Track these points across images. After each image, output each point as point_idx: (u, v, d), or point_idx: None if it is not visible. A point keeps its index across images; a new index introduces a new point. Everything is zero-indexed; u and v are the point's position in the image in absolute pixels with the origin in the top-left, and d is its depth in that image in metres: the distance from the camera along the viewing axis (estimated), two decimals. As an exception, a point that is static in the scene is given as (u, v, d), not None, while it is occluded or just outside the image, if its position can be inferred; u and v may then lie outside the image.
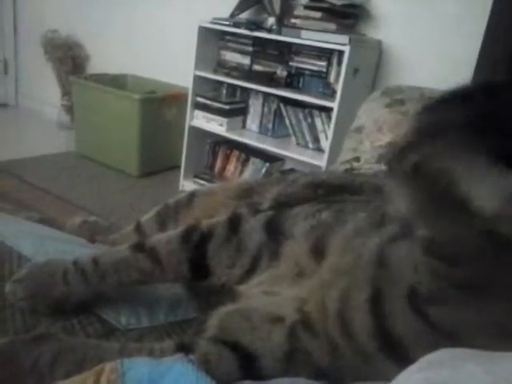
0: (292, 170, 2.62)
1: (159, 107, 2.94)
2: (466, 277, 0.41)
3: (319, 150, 2.51)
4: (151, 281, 0.66)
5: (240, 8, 2.64)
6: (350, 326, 0.49)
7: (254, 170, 2.80)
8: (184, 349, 0.54)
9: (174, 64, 3.10)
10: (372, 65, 2.42)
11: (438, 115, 0.43)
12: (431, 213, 0.42)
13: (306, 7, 2.37)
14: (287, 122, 2.63)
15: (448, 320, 0.43)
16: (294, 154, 2.50)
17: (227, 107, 2.69)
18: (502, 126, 0.37)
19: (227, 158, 2.92)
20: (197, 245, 0.64)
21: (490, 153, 0.36)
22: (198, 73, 2.67)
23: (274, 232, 0.63)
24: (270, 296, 0.58)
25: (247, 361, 0.52)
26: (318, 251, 0.57)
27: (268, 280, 0.60)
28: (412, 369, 0.38)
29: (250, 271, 0.62)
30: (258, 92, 2.68)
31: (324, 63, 2.45)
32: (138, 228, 0.91)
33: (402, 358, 0.44)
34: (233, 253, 0.63)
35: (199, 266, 0.64)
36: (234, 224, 0.65)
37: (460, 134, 0.39)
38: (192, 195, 0.93)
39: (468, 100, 0.41)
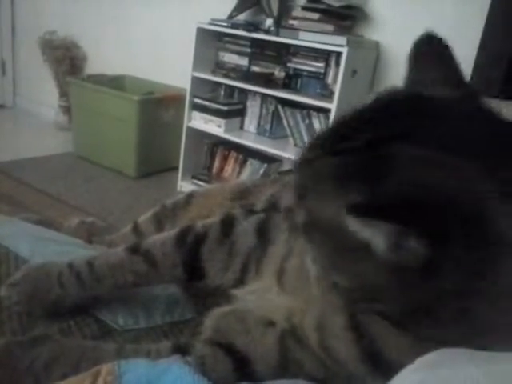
0: (290, 171, 2.61)
1: (157, 108, 2.94)
2: (395, 309, 0.42)
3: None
4: (146, 283, 0.66)
5: (238, 9, 2.64)
6: (335, 354, 0.49)
7: (251, 171, 2.80)
8: (180, 350, 0.54)
9: (172, 65, 3.10)
10: (370, 66, 2.42)
11: (309, 169, 0.44)
12: (337, 261, 0.43)
13: (304, 8, 2.37)
14: (285, 123, 2.63)
15: (431, 334, 0.43)
16: (292, 155, 2.50)
17: (225, 108, 2.69)
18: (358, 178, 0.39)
19: (225, 159, 2.92)
20: (191, 247, 0.65)
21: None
22: (196, 74, 2.67)
23: (263, 237, 0.63)
24: (262, 300, 0.58)
25: (241, 365, 0.52)
26: (280, 274, 0.58)
27: (258, 289, 0.61)
28: (409, 369, 0.38)
29: (241, 278, 0.63)
30: (255, 93, 2.68)
31: (322, 64, 2.45)
32: (136, 229, 0.91)
33: (395, 373, 0.44)
34: (225, 256, 0.64)
35: (194, 268, 0.64)
36: (227, 226, 0.66)
37: (329, 183, 0.40)
38: (190, 196, 0.92)
39: (333, 141, 0.43)
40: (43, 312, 0.62)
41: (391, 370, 0.45)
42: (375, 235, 0.37)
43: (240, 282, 0.63)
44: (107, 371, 0.41)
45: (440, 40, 0.49)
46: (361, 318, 0.48)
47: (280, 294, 0.57)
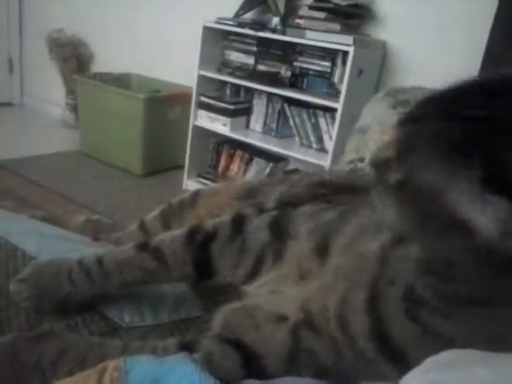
0: (296, 170, 2.62)
1: (163, 107, 2.94)
2: (457, 293, 0.41)
3: (323, 150, 2.51)
4: (156, 281, 0.66)
5: (244, 8, 2.64)
6: (349, 327, 0.49)
7: (257, 170, 2.80)
8: (187, 347, 0.54)
9: (179, 63, 3.10)
10: (376, 65, 2.41)
11: (418, 126, 0.41)
12: (420, 229, 0.41)
13: (311, 7, 2.37)
14: (291, 122, 2.63)
15: (440, 325, 0.43)
16: (298, 154, 2.50)
17: (231, 107, 2.69)
18: (487, 147, 0.36)
19: (231, 158, 2.92)
20: (201, 245, 0.64)
21: (479, 174, 0.35)
22: (202, 72, 2.67)
23: (278, 232, 0.63)
24: (274, 294, 0.58)
25: (250, 360, 0.52)
26: (322, 251, 0.57)
27: (273, 280, 0.60)
28: (419, 370, 0.38)
29: (254, 271, 0.62)
30: (262, 92, 2.68)
31: (328, 63, 2.44)
32: (142, 226, 0.91)
33: (400, 359, 0.44)
34: (237, 253, 0.63)
35: (204, 266, 0.64)
36: (238, 224, 0.65)
37: (443, 148, 0.38)
38: (196, 195, 0.93)
39: (451, 107, 0.40)
40: (52, 308, 0.62)
41: (395, 353, 0.45)
42: (486, 213, 0.34)
43: (252, 276, 0.62)
44: (113, 367, 0.41)
45: None
46: (381, 294, 0.47)
47: (298, 282, 0.57)
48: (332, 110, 2.38)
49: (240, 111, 2.76)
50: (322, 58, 2.46)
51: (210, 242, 0.64)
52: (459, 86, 0.41)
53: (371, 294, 0.48)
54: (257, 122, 2.79)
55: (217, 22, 2.59)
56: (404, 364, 0.43)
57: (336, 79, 2.43)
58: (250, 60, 2.72)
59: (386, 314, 0.46)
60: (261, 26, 2.49)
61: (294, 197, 0.75)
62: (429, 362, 0.38)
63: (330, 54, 2.42)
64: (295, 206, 0.67)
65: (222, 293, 0.64)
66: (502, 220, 0.34)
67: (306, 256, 0.58)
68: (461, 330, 0.41)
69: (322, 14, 2.31)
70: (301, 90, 2.53)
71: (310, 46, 2.40)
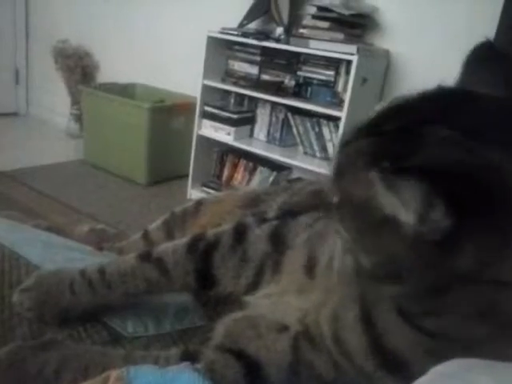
0: (299, 179, 2.61)
1: (168, 116, 2.96)
2: (422, 288, 0.42)
3: (327, 159, 2.51)
4: (158, 291, 0.66)
5: (248, 18, 2.65)
6: (346, 346, 0.49)
7: (261, 179, 2.80)
8: (189, 357, 0.54)
9: (183, 73, 3.12)
10: (380, 74, 2.42)
11: (347, 148, 0.45)
12: (365, 238, 0.43)
13: (314, 17, 2.38)
14: (295, 131, 2.63)
15: (445, 327, 0.43)
16: (302, 163, 2.50)
17: (235, 116, 2.70)
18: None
19: (235, 167, 2.92)
20: (202, 254, 0.64)
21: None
22: (207, 82, 2.68)
23: (278, 243, 0.63)
24: (276, 305, 0.58)
25: (252, 369, 0.51)
26: (310, 267, 0.58)
27: (273, 293, 0.60)
28: (423, 380, 0.37)
29: (255, 282, 0.63)
30: (265, 101, 2.69)
31: (332, 73, 2.45)
32: (146, 236, 0.91)
33: (403, 371, 0.44)
34: (238, 263, 0.63)
35: (205, 276, 0.64)
36: (240, 233, 0.65)
37: (363, 161, 0.41)
38: (199, 204, 0.93)
39: (373, 126, 0.45)
40: (54, 318, 0.62)
41: (398, 366, 0.45)
42: (402, 200, 0.37)
43: (253, 287, 0.62)
44: (116, 377, 0.41)
45: (495, 46, 0.49)
46: (373, 310, 0.48)
47: (298, 295, 0.57)
48: (336, 119, 2.38)
49: (244, 120, 2.76)
50: (326, 68, 2.46)
51: (212, 252, 0.64)
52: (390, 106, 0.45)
53: (362, 311, 0.48)
54: (261, 131, 2.79)
55: (221, 32, 2.61)
56: (407, 376, 0.42)
57: (340, 88, 2.43)
58: (254, 70, 2.73)
59: (385, 331, 0.46)
60: (265, 35, 2.50)
61: (295, 205, 0.75)
62: (432, 372, 0.38)
63: (334, 64, 2.42)
64: (296, 214, 0.67)
65: (224, 303, 0.64)
66: (416, 205, 0.36)
67: (299, 271, 0.58)
68: (455, 317, 0.42)
69: (325, 24, 2.32)
70: (304, 99, 2.54)
71: (313, 55, 2.41)
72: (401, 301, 0.45)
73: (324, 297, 0.53)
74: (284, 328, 0.53)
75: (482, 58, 0.51)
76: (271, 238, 0.64)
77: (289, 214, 0.69)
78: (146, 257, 0.65)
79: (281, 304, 0.57)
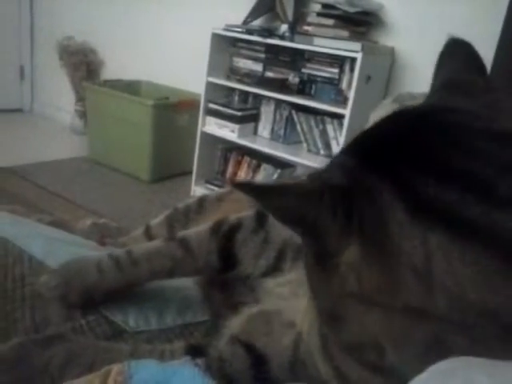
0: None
1: (172, 113, 2.96)
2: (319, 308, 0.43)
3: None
4: (182, 270, 0.66)
5: (253, 15, 2.65)
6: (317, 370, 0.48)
7: (265, 177, 2.80)
8: (194, 350, 0.54)
9: (187, 70, 3.12)
10: (384, 72, 2.41)
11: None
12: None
13: (319, 14, 2.37)
14: (299, 128, 2.63)
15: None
16: (306, 160, 2.50)
17: (239, 114, 2.70)
18: None
19: (239, 164, 2.92)
20: (226, 235, 0.66)
21: None
22: (211, 79, 2.68)
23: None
24: (295, 298, 0.58)
25: (259, 361, 0.52)
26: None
27: (293, 281, 0.60)
28: (420, 378, 0.37)
29: (275, 266, 0.63)
30: (270, 99, 2.69)
31: (336, 70, 2.44)
32: (148, 231, 0.92)
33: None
34: (259, 244, 0.65)
35: (227, 255, 0.65)
36: (262, 218, 0.67)
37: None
38: (202, 200, 0.93)
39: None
40: (78, 298, 0.62)
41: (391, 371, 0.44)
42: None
43: (273, 269, 0.63)
44: (117, 371, 0.41)
45: (465, 43, 0.49)
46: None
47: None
48: (340, 117, 2.38)
49: (248, 118, 2.76)
50: (330, 65, 2.46)
51: (235, 233, 0.66)
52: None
53: (322, 340, 0.48)
54: (264, 128, 2.79)
55: (225, 29, 2.61)
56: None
57: (344, 86, 2.43)
58: (259, 67, 2.73)
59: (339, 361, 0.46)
60: (269, 32, 2.50)
61: None
62: (430, 370, 0.38)
63: (338, 61, 2.42)
64: None
65: (239, 294, 0.65)
66: None
67: None
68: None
69: (330, 21, 2.32)
70: (309, 96, 2.53)
71: (318, 52, 2.40)
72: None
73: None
74: (293, 324, 0.53)
75: (450, 55, 0.51)
76: None
77: None
78: (171, 238, 0.67)
79: (295, 300, 0.57)
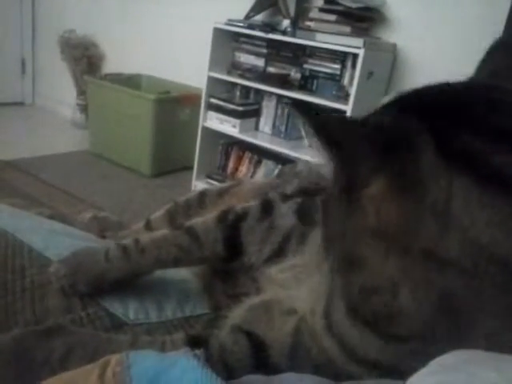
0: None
1: (173, 108, 2.96)
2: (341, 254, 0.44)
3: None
4: (188, 258, 0.67)
5: (255, 10, 2.64)
6: (321, 350, 0.48)
7: (266, 172, 2.80)
8: (195, 342, 0.55)
9: (189, 65, 3.12)
10: (386, 68, 2.41)
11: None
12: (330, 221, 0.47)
13: (321, 10, 2.37)
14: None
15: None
16: (307, 156, 2.49)
17: (240, 109, 2.70)
18: None
19: (240, 160, 2.92)
20: (232, 224, 0.67)
21: None
22: (212, 74, 2.68)
23: (304, 217, 0.64)
24: (295, 285, 0.58)
25: (259, 349, 0.52)
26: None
27: (296, 265, 0.61)
28: (423, 372, 0.37)
29: (280, 250, 0.64)
30: (271, 94, 2.68)
31: (338, 66, 2.44)
32: (148, 225, 0.92)
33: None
34: (265, 231, 0.65)
35: (234, 244, 0.66)
36: (267, 207, 0.68)
37: None
38: (202, 194, 0.93)
39: None
40: (87, 286, 0.63)
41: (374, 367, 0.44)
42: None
43: (277, 255, 0.63)
44: (116, 362, 0.41)
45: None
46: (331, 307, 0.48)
47: (314, 274, 0.57)
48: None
49: (249, 113, 2.76)
50: (332, 61, 2.46)
51: (241, 222, 0.66)
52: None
53: (326, 306, 0.49)
54: (266, 123, 2.79)
55: (227, 24, 2.60)
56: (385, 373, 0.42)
57: (346, 82, 2.42)
58: (260, 62, 2.72)
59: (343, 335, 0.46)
60: (271, 28, 2.49)
61: (309, 187, 0.75)
62: (434, 363, 0.37)
63: (340, 57, 2.41)
64: (312, 195, 0.68)
65: (242, 285, 0.65)
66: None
67: (318, 250, 0.58)
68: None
69: (332, 17, 2.31)
70: (310, 92, 2.53)
71: (320, 48, 2.40)
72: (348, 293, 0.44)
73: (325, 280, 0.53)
74: (294, 311, 0.53)
75: (494, 53, 0.52)
76: (298, 213, 0.66)
77: (305, 194, 0.70)
78: (177, 227, 0.68)
79: (297, 283, 0.58)
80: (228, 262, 0.67)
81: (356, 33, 2.31)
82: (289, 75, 2.60)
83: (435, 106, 0.40)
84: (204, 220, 0.68)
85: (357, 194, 0.39)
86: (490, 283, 0.35)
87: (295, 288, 0.58)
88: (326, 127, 0.40)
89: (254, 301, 0.59)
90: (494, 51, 0.52)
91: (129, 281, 0.67)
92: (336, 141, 0.39)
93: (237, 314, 0.58)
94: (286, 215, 0.66)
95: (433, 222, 0.36)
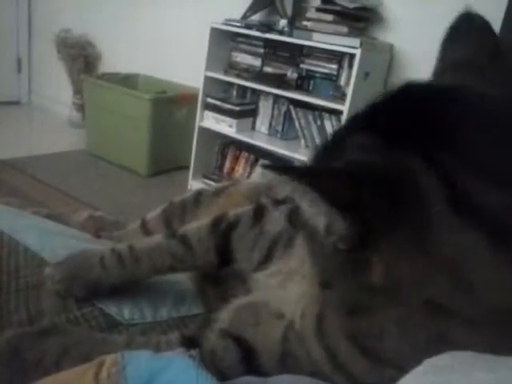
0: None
1: (169, 107, 2.95)
2: (338, 296, 0.43)
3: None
4: (182, 267, 0.68)
5: (252, 9, 2.64)
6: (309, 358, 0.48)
7: (262, 172, 2.79)
8: (189, 341, 0.55)
9: (186, 64, 3.11)
10: (383, 68, 2.41)
11: None
12: (310, 248, 0.45)
13: (318, 10, 2.37)
14: (297, 124, 2.62)
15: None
16: (303, 156, 2.50)
17: (237, 108, 2.70)
18: None
19: (236, 159, 2.92)
20: (224, 232, 0.67)
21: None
22: (209, 74, 2.68)
23: (295, 221, 0.64)
24: (282, 289, 0.58)
25: (249, 355, 0.52)
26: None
27: (281, 271, 0.61)
28: (417, 372, 0.37)
29: (268, 256, 0.64)
30: (268, 94, 2.68)
31: (335, 66, 2.44)
32: (144, 225, 0.91)
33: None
34: (254, 237, 0.66)
35: (224, 251, 0.67)
36: (259, 213, 0.68)
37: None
38: (198, 194, 0.93)
39: None
40: (82, 292, 0.63)
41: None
42: (316, 210, 0.37)
43: (264, 261, 0.64)
44: (111, 362, 0.41)
45: (479, 16, 0.50)
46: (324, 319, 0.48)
47: (301, 279, 0.57)
48: (338, 113, 2.37)
49: (246, 113, 2.76)
50: (329, 61, 2.46)
51: (232, 231, 0.67)
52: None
53: (318, 318, 0.48)
54: (262, 123, 2.79)
55: (224, 24, 2.60)
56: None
57: (342, 82, 2.42)
58: (257, 62, 2.72)
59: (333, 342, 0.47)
60: (268, 27, 2.49)
61: None
62: (427, 364, 0.37)
63: (337, 57, 2.41)
64: None
65: (232, 287, 0.66)
66: (323, 213, 0.36)
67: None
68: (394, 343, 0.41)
69: (329, 17, 2.31)
70: (307, 92, 2.53)
71: (316, 48, 2.40)
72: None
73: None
74: (282, 315, 0.53)
75: (462, 32, 0.51)
76: (289, 218, 0.66)
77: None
78: (171, 235, 0.69)
79: (283, 290, 0.58)
80: (220, 268, 0.68)
81: (353, 33, 2.31)
82: (285, 75, 2.60)
83: (424, 130, 0.38)
84: (198, 227, 0.69)
85: (367, 253, 0.37)
86: (491, 332, 0.35)
87: (283, 291, 0.58)
88: (333, 188, 0.36)
89: (241, 302, 0.59)
90: (465, 27, 0.53)
91: (124, 286, 0.67)
92: (347, 204, 0.35)
93: (225, 317, 0.57)
94: (276, 220, 0.66)
95: (443, 277, 0.35)
